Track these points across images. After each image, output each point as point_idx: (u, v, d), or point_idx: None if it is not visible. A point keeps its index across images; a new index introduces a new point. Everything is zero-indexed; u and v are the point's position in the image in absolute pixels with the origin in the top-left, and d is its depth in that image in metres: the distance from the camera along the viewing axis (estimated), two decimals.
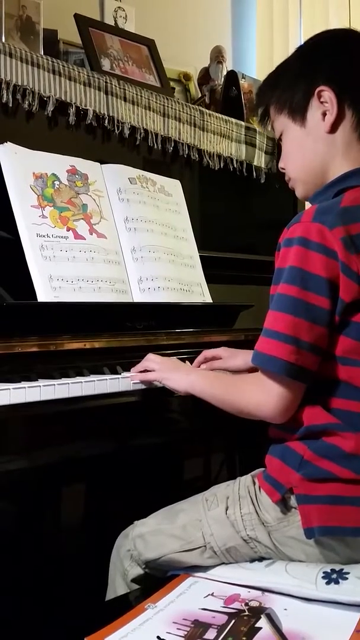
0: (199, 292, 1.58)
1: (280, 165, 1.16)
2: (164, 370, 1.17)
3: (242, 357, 1.26)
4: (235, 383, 1.08)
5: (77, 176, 1.42)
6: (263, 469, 1.04)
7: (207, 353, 1.31)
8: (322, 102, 1.05)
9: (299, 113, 1.08)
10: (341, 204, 0.98)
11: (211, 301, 1.58)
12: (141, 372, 1.20)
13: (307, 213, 0.98)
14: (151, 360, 1.21)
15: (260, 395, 0.98)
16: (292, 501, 0.98)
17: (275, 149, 2.11)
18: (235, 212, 2.03)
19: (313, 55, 1.09)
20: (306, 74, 1.07)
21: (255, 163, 2.05)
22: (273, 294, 0.99)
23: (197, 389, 1.10)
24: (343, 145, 1.06)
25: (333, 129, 1.05)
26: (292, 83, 1.08)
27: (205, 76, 2.23)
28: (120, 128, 1.63)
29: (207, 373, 1.18)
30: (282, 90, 1.10)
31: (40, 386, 1.03)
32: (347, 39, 1.11)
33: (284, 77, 1.11)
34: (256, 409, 1.00)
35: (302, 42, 1.18)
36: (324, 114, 1.05)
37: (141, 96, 1.68)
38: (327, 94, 1.04)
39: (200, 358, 1.30)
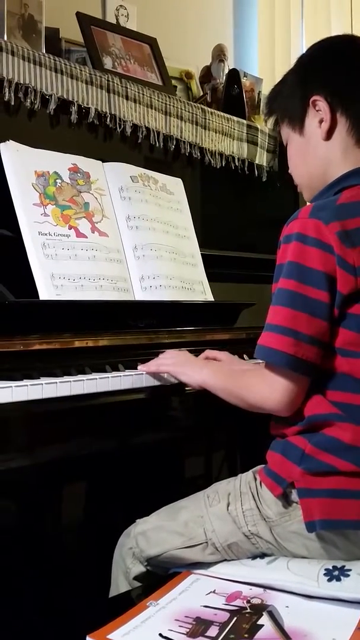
0: (201, 291, 1.58)
1: (290, 171, 1.20)
2: (178, 365, 1.19)
3: (240, 366, 1.27)
4: (243, 377, 1.09)
5: (79, 174, 1.42)
6: (264, 465, 1.05)
7: (210, 354, 1.31)
8: (317, 111, 1.09)
9: (297, 122, 1.12)
10: (337, 201, 1.01)
11: (213, 299, 1.58)
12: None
13: (304, 210, 1.01)
14: (163, 357, 1.23)
15: (265, 389, 1.00)
16: (294, 496, 0.99)
17: (277, 147, 2.11)
18: (236, 211, 2.03)
19: (308, 66, 1.14)
20: (302, 85, 1.11)
21: (257, 161, 2.05)
22: (274, 291, 1.01)
23: (209, 384, 1.12)
24: (340, 150, 1.09)
25: (329, 135, 1.09)
26: (290, 94, 1.13)
27: (207, 74, 2.23)
28: (122, 126, 1.64)
29: (218, 367, 1.20)
30: (282, 101, 1.15)
31: (42, 384, 1.03)
32: (340, 48, 1.14)
33: (284, 88, 1.15)
34: (262, 402, 1.01)
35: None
36: (320, 122, 1.09)
37: (143, 94, 1.68)
38: (321, 103, 1.08)
39: (201, 357, 1.31)
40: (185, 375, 1.17)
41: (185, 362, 1.20)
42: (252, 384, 1.04)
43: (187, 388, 1.20)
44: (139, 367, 1.22)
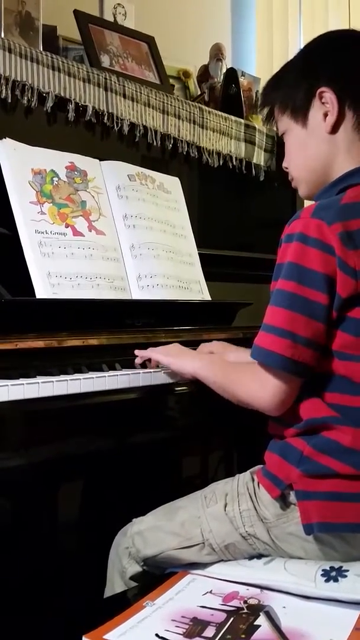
0: (198, 290, 1.57)
1: (284, 165, 1.17)
2: (170, 355, 1.19)
3: (235, 354, 1.26)
4: (236, 372, 1.08)
5: (76, 173, 1.42)
6: (262, 465, 1.04)
7: (204, 348, 1.31)
8: (323, 103, 1.06)
9: (300, 114, 1.09)
10: (342, 200, 0.99)
11: (210, 299, 1.58)
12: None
13: (307, 209, 0.99)
14: (157, 348, 1.23)
15: (257, 388, 0.99)
16: (292, 497, 0.98)
17: (274, 147, 2.10)
18: (234, 210, 2.03)
19: (315, 57, 1.11)
20: (308, 75, 1.08)
21: (254, 161, 2.05)
22: (273, 290, 0.99)
23: (201, 375, 1.12)
24: (345, 145, 1.07)
25: (334, 129, 1.07)
26: (294, 84, 1.10)
27: (204, 74, 2.23)
28: (119, 125, 1.63)
29: (212, 359, 1.19)
30: (284, 91, 1.11)
31: (38, 383, 1.02)
32: (348, 40, 1.12)
33: (287, 78, 1.12)
34: (253, 401, 1.01)
35: (302, 39, 1.20)
36: (326, 115, 1.06)
37: (141, 93, 1.68)
38: (328, 95, 1.05)
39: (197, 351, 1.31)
40: (177, 365, 1.17)
41: (178, 352, 1.21)
42: (244, 381, 1.04)
43: (181, 388, 1.20)
44: (135, 352, 1.23)
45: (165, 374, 1.22)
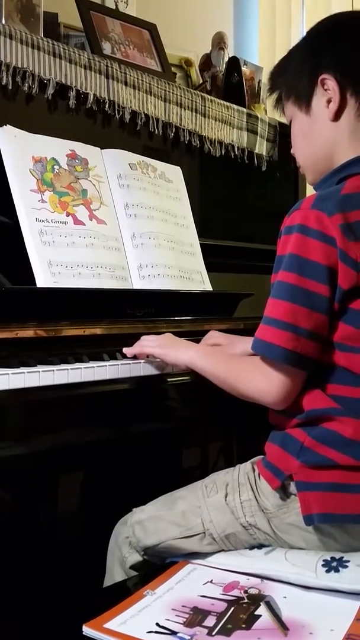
0: (199, 280, 1.57)
1: (291, 151, 1.17)
2: (162, 346, 1.17)
3: (241, 345, 1.25)
4: (238, 366, 1.07)
5: (76, 161, 1.41)
6: (262, 456, 1.04)
7: (207, 341, 1.31)
8: (325, 90, 1.05)
9: (304, 101, 1.08)
10: (342, 191, 0.98)
11: (211, 289, 1.57)
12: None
13: (307, 200, 0.98)
14: (147, 339, 1.21)
15: (261, 382, 0.98)
16: (292, 488, 0.98)
17: (277, 136, 2.09)
18: (236, 200, 2.02)
19: (317, 43, 1.09)
20: (310, 62, 1.07)
21: (256, 150, 2.03)
22: (274, 282, 0.99)
23: (197, 365, 1.10)
24: (348, 132, 1.06)
25: (337, 116, 1.06)
26: (297, 71, 1.09)
27: (206, 62, 2.21)
28: (120, 113, 1.62)
29: (208, 349, 1.18)
30: (289, 78, 1.11)
31: (39, 372, 1.02)
32: (350, 25, 1.10)
33: (291, 64, 1.11)
34: (258, 395, 1.00)
35: (305, 28, 1.18)
36: (329, 102, 1.05)
37: (142, 81, 1.66)
38: (330, 82, 1.04)
39: (204, 339, 1.30)
40: (170, 356, 1.14)
41: (170, 343, 1.18)
42: (247, 375, 1.02)
43: (182, 378, 1.19)
44: (124, 350, 1.20)
45: (158, 365, 1.19)
